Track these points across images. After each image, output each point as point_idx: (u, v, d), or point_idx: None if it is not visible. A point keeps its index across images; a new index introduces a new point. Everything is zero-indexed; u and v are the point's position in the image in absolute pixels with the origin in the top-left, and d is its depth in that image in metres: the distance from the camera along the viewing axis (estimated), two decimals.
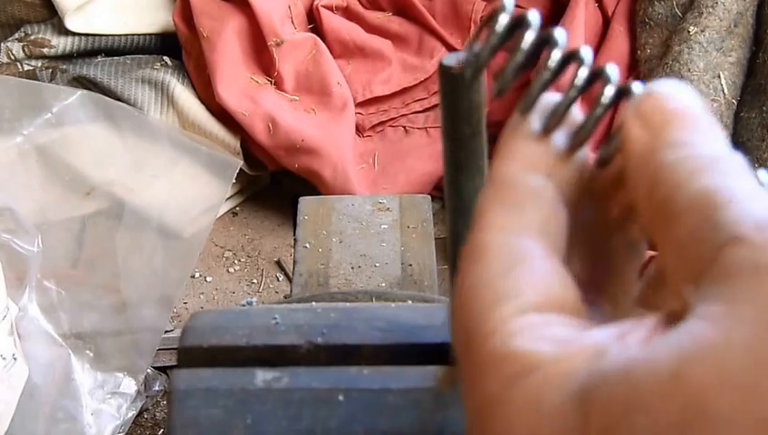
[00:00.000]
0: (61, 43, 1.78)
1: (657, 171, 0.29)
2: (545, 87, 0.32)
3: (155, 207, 1.58)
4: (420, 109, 1.91)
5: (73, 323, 1.44)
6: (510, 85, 0.33)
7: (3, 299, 1.30)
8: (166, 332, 1.50)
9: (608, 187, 0.33)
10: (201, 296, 1.69)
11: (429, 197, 0.93)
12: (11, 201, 1.41)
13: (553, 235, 0.30)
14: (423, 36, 1.95)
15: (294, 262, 0.84)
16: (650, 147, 0.29)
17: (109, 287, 1.50)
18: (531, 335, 0.27)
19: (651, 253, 0.35)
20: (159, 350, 1.48)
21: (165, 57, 1.83)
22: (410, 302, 0.67)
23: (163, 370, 1.53)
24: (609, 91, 0.32)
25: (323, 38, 1.87)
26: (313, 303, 0.63)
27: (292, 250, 0.87)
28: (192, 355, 0.50)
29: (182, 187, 1.64)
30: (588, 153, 0.33)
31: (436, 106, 1.90)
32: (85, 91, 1.65)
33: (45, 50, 1.78)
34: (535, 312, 0.28)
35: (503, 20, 0.32)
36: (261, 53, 1.80)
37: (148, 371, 1.48)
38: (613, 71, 0.32)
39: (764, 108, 1.64)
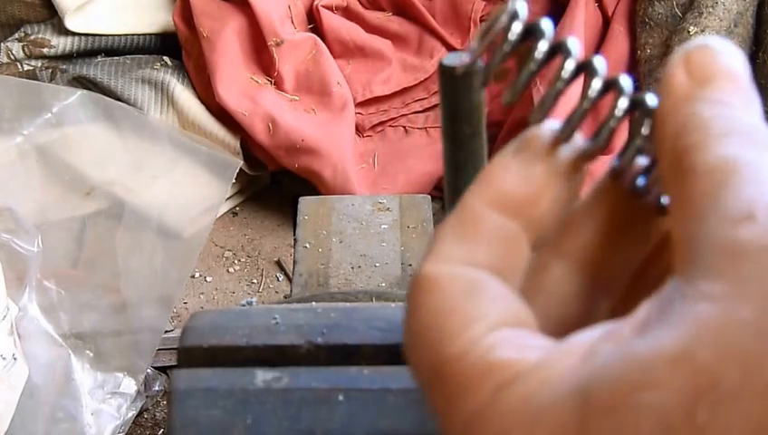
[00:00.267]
0: (61, 43, 1.79)
1: (690, 119, 0.28)
2: (558, 97, 0.31)
3: (155, 207, 1.58)
4: (420, 109, 1.91)
5: (73, 323, 1.45)
6: (521, 95, 0.32)
7: (3, 299, 1.30)
8: (166, 332, 1.50)
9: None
10: (201, 296, 1.69)
11: (429, 197, 0.93)
12: (11, 201, 1.41)
13: (509, 275, 0.30)
14: (423, 36, 1.95)
15: (294, 262, 0.84)
16: (690, 94, 0.29)
17: (109, 287, 1.50)
18: (511, 345, 0.27)
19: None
20: (159, 350, 1.48)
21: (165, 57, 1.83)
22: None
23: (163, 370, 1.53)
24: (622, 104, 0.31)
25: (323, 38, 1.87)
26: (313, 303, 0.63)
27: (292, 250, 0.87)
28: (192, 355, 0.50)
29: (182, 187, 1.64)
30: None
31: (436, 106, 1.90)
32: (85, 91, 1.65)
33: (45, 50, 1.78)
34: (506, 328, 0.28)
35: (516, 28, 0.31)
36: (261, 53, 1.80)
37: (148, 371, 1.48)
38: (626, 81, 0.31)
39: (764, 108, 1.64)
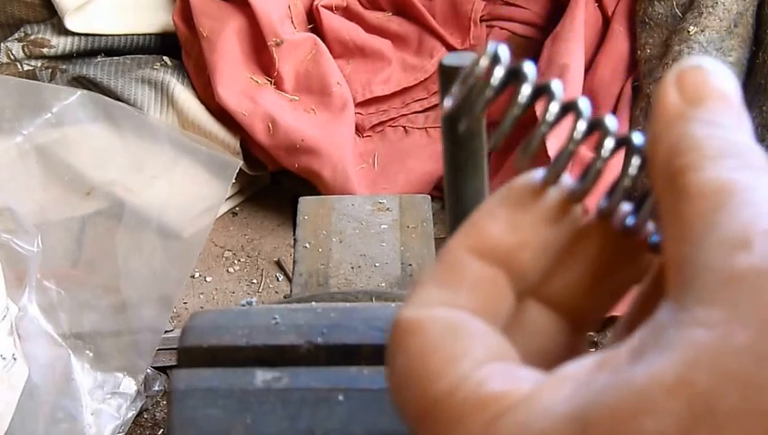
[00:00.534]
0: (60, 43, 1.79)
1: (683, 139, 0.28)
2: (543, 138, 0.32)
3: (155, 207, 1.58)
4: (420, 109, 1.91)
5: (73, 323, 1.44)
6: (505, 138, 0.32)
7: (3, 299, 1.30)
8: (166, 332, 1.50)
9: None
10: (201, 296, 1.69)
11: (429, 197, 0.93)
12: (11, 201, 1.41)
13: (491, 319, 0.30)
14: (423, 36, 1.95)
15: (294, 262, 0.84)
16: (683, 114, 0.29)
17: (108, 287, 1.50)
18: (501, 378, 0.27)
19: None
20: (159, 350, 1.48)
21: (165, 57, 1.83)
22: None
23: (163, 370, 1.53)
24: (609, 144, 0.31)
25: (323, 38, 1.87)
26: (313, 303, 0.63)
27: (292, 250, 0.87)
28: (192, 355, 0.50)
29: (182, 187, 1.64)
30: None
31: (436, 106, 1.90)
32: (85, 91, 1.65)
33: (45, 50, 1.78)
34: (494, 362, 0.28)
35: (498, 73, 0.31)
36: (261, 53, 1.80)
37: (148, 371, 1.48)
38: (611, 121, 0.31)
39: (764, 108, 1.64)
